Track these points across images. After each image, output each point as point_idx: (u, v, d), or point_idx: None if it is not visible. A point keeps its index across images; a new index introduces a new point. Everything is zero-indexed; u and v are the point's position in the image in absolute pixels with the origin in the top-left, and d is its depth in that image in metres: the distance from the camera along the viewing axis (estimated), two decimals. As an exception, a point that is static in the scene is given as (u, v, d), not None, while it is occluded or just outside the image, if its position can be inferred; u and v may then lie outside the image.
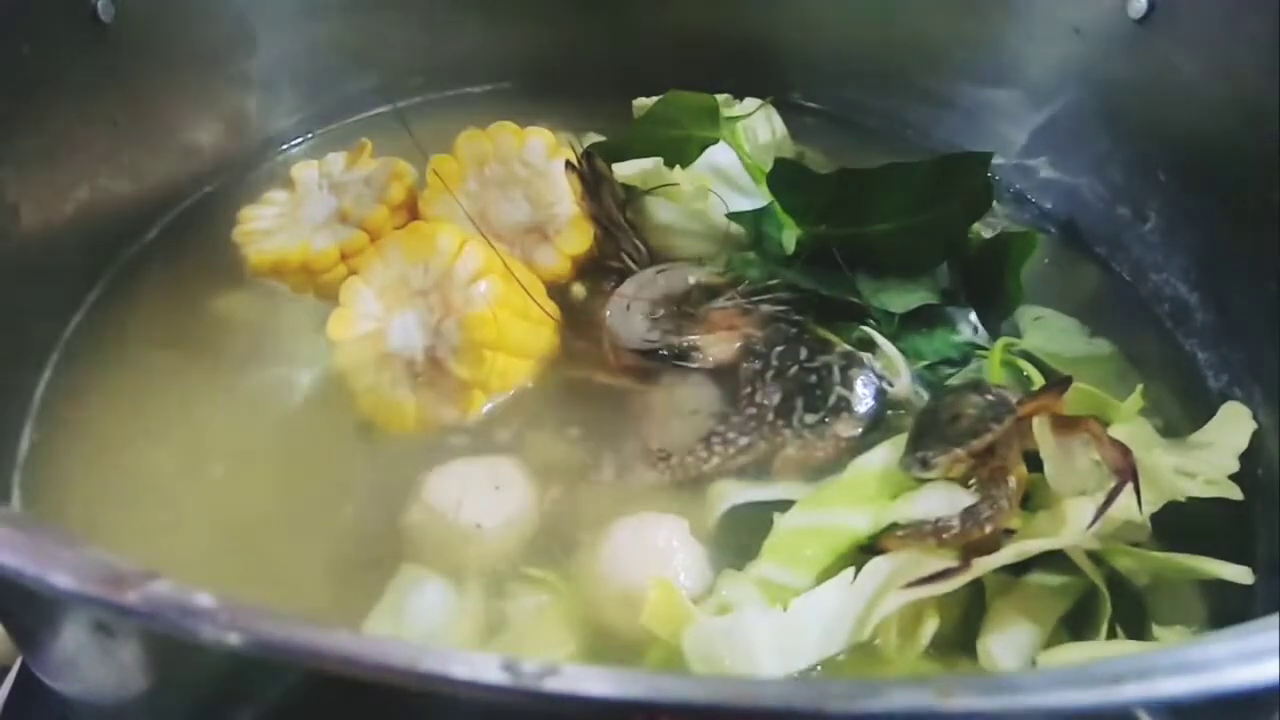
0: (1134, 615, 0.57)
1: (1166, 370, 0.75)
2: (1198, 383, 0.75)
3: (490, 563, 0.60)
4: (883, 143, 0.96)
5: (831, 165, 0.89)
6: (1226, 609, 0.58)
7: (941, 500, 0.57)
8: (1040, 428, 0.56)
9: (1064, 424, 0.56)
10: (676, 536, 0.59)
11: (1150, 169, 0.80)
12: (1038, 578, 0.57)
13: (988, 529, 0.54)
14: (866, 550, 0.56)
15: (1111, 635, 0.55)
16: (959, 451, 0.57)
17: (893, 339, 0.70)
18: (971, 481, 0.58)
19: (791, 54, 0.98)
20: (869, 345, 0.69)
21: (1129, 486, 0.53)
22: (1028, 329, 0.75)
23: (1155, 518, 0.58)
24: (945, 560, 0.54)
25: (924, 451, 0.58)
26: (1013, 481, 0.55)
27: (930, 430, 0.59)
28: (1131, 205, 0.82)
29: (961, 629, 0.56)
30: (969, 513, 0.55)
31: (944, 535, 0.54)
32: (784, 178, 0.75)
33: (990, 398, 0.59)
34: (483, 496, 0.61)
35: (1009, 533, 0.56)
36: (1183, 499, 0.57)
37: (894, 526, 0.56)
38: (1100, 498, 0.54)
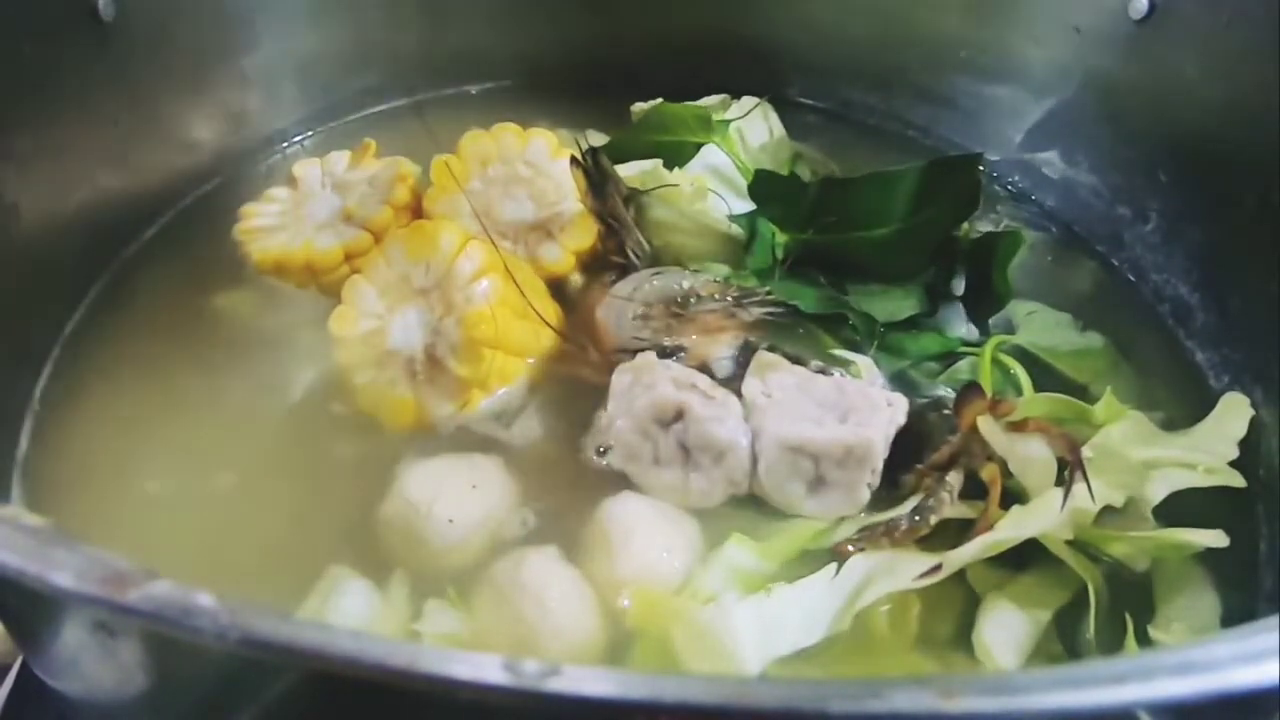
0: (1139, 603, 0.58)
1: (1168, 370, 0.76)
2: (1199, 383, 0.75)
3: (460, 559, 0.60)
4: (883, 141, 0.96)
5: (831, 164, 0.90)
6: (1231, 609, 0.59)
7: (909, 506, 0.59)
8: (989, 431, 0.59)
9: (1014, 424, 0.59)
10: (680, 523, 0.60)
11: (1151, 169, 0.80)
12: (1033, 573, 0.58)
13: (933, 520, 0.57)
14: (833, 552, 0.58)
15: (1116, 626, 0.56)
16: (920, 468, 0.60)
17: (880, 337, 0.71)
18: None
19: (791, 52, 0.98)
20: (856, 346, 0.70)
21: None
22: (1020, 324, 0.75)
23: (1159, 521, 0.59)
24: (922, 556, 0.56)
25: (895, 475, 0.61)
26: (952, 476, 0.58)
27: (900, 455, 0.61)
28: (1132, 205, 0.82)
29: (957, 626, 0.57)
30: (915, 510, 0.58)
31: (895, 534, 0.57)
32: (764, 188, 0.75)
33: (946, 412, 0.61)
34: (459, 494, 0.61)
35: (968, 523, 0.58)
36: (1155, 497, 0.59)
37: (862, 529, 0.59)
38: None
